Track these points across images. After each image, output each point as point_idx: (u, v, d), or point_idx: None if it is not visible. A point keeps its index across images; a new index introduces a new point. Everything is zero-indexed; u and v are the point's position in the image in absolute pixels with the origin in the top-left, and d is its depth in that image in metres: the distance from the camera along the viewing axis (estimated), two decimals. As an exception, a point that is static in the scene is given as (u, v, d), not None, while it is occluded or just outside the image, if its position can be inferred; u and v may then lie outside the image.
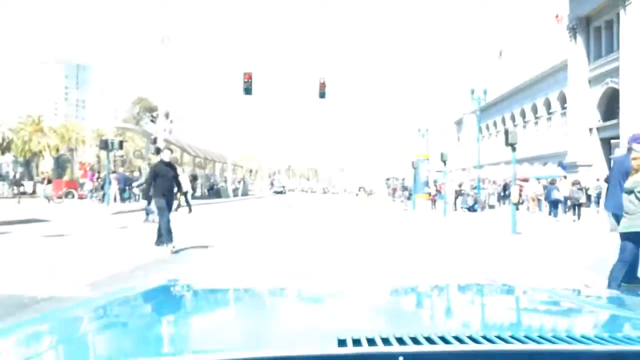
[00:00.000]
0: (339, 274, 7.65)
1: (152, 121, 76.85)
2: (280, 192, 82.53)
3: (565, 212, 22.18)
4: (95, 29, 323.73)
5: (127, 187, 28.32)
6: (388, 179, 70.82)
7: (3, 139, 62.81)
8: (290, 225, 17.20)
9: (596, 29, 35.59)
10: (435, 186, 29.02)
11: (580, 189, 20.91)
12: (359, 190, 76.37)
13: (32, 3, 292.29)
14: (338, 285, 2.20)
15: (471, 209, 26.80)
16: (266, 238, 12.67)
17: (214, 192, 40.28)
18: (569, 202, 21.50)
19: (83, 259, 8.48)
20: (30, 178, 58.85)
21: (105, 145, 23.80)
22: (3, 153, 68.18)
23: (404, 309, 1.63)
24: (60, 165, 62.15)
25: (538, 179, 29.97)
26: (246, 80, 28.82)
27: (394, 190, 48.13)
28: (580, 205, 20.69)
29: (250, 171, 71.12)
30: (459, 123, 66.69)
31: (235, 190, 50.06)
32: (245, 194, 55.29)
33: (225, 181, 51.05)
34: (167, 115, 59.68)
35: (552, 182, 22.56)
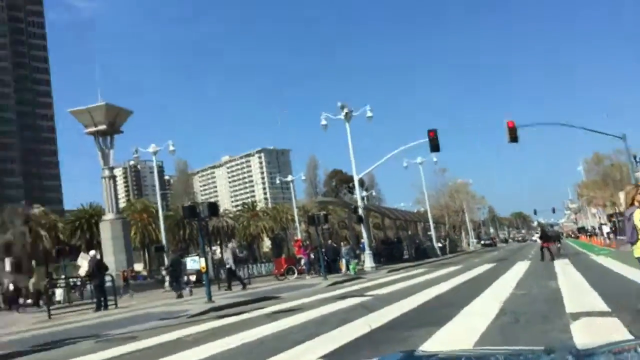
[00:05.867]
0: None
1: (349, 192, 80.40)
2: (490, 245, 78.06)
3: None
4: (283, 115, 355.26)
5: (336, 259, 29.13)
6: (611, 215, 62.34)
7: (228, 227, 71.51)
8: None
9: None
10: None
11: None
12: (579, 233, 68.51)
13: (219, 102, 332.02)
14: None
15: None
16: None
17: (420, 252, 39.59)
18: None
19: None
20: (255, 259, 65.12)
21: (312, 220, 25.24)
22: (229, 239, 77.71)
23: None
24: (277, 244, 68.06)
25: None
26: (431, 137, 28.46)
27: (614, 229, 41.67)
28: None
29: (454, 227, 68.94)
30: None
31: (442, 248, 48.65)
32: (453, 250, 53.35)
33: (431, 240, 50.06)
34: (362, 184, 61.87)
35: None
